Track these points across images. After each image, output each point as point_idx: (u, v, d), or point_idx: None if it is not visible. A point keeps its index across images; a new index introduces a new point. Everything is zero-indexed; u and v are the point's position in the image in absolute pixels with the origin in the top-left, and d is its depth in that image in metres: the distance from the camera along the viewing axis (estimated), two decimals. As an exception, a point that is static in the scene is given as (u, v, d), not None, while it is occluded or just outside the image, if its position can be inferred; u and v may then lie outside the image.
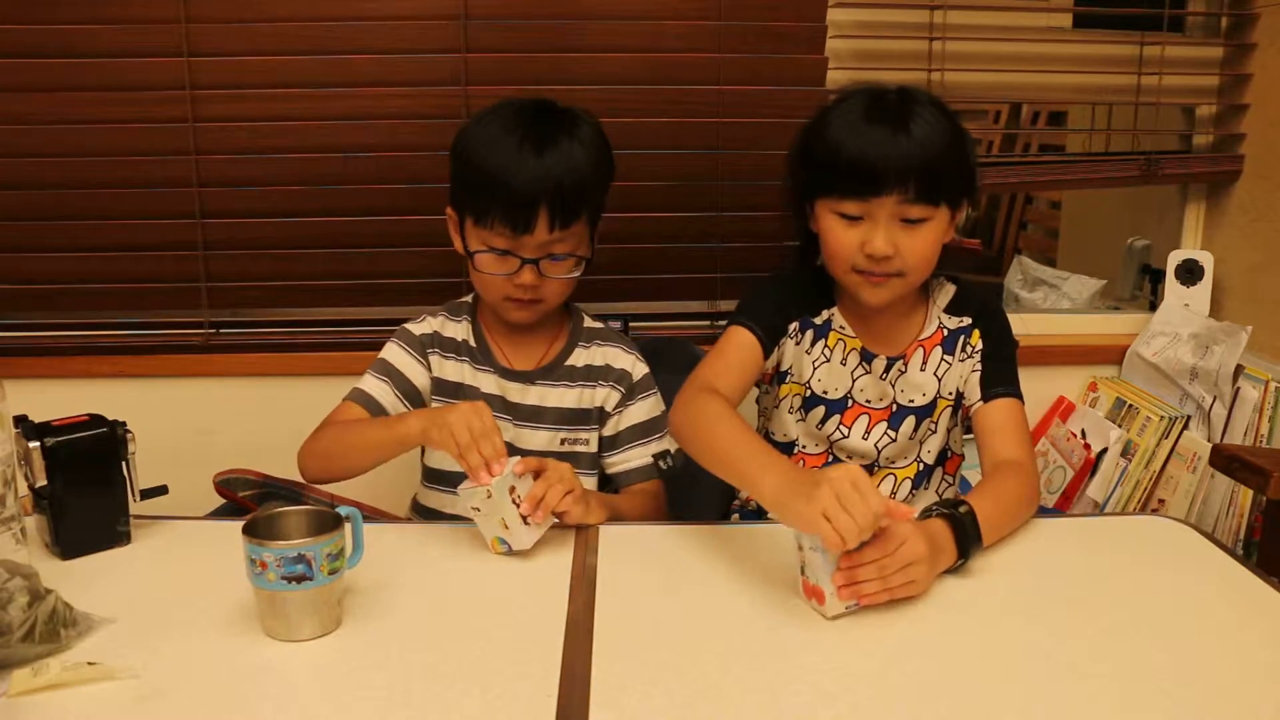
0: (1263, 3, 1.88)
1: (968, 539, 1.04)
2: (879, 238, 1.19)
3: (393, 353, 1.36)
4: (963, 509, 1.06)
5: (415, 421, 1.17)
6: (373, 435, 1.23)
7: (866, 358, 1.31)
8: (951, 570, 1.04)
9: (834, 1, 1.80)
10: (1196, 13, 1.99)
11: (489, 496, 1.07)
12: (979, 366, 1.30)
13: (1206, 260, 1.94)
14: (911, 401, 1.31)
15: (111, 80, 1.73)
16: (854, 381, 1.31)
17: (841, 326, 1.32)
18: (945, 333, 1.32)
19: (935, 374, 1.31)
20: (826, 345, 1.32)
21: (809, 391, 1.32)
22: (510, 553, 1.10)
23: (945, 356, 1.31)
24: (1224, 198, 1.98)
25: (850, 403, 1.32)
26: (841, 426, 1.32)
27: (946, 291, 1.34)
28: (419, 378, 1.35)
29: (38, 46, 1.72)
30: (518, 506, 1.08)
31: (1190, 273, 1.95)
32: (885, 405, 1.31)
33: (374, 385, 1.33)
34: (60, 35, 1.72)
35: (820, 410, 1.32)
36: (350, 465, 1.25)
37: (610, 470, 1.38)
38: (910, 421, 1.31)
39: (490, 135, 1.26)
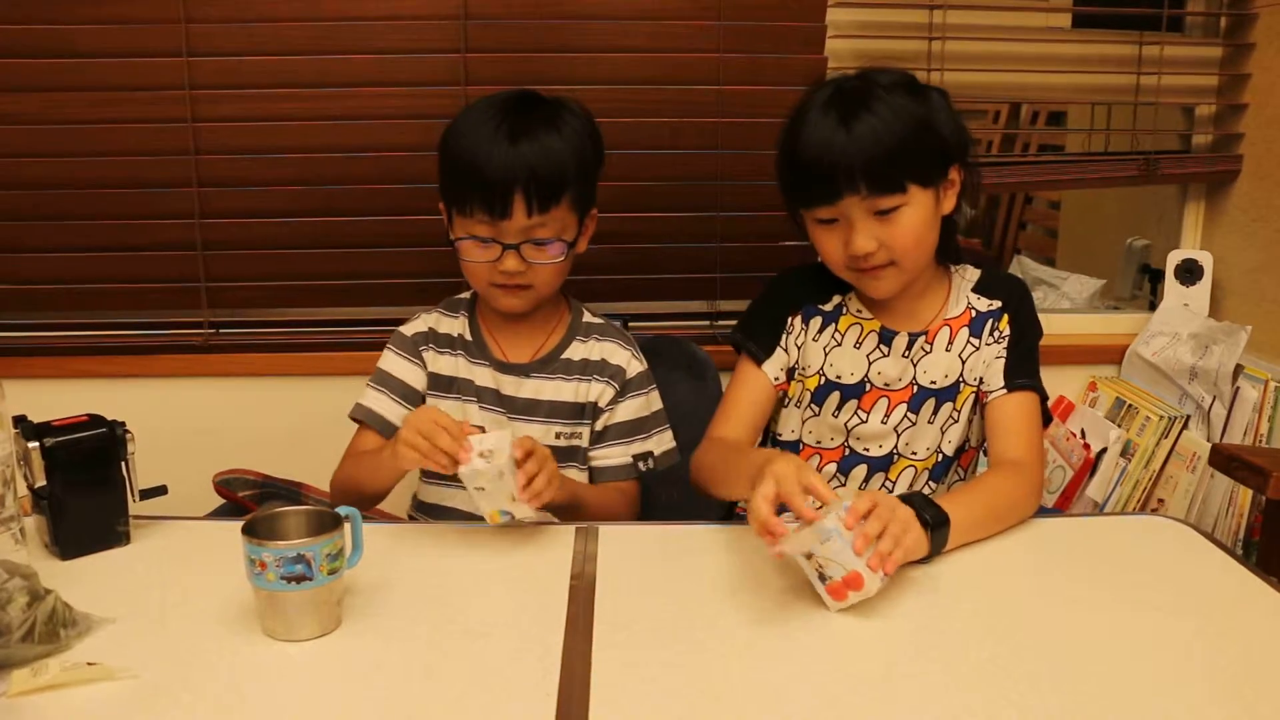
0: (1262, 3, 1.88)
1: (935, 548, 1.06)
2: (858, 237, 1.19)
3: (387, 360, 1.38)
4: (940, 529, 1.06)
5: (388, 448, 1.18)
6: (368, 469, 1.27)
7: (886, 338, 1.29)
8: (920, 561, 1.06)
9: (834, 1, 1.80)
10: (1196, 13, 2.00)
11: (500, 476, 1.07)
12: (1003, 354, 1.28)
13: (1206, 260, 1.94)
14: (933, 383, 1.28)
15: (111, 80, 1.73)
16: (870, 364, 1.29)
17: (858, 310, 1.31)
18: (974, 314, 1.30)
19: (960, 355, 1.28)
20: (838, 330, 1.31)
21: (823, 379, 1.30)
22: (511, 522, 1.10)
23: (971, 339, 1.29)
24: (1223, 198, 1.98)
25: (868, 386, 1.29)
26: (860, 411, 1.29)
27: (972, 272, 1.32)
28: (414, 379, 1.36)
29: (38, 46, 1.72)
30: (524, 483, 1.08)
31: (1190, 272, 1.95)
32: (905, 385, 1.29)
33: (373, 398, 1.36)
34: (60, 35, 1.72)
35: (835, 396, 1.30)
36: (368, 496, 1.28)
37: (591, 464, 1.37)
38: (930, 404, 1.29)
39: (469, 125, 1.27)
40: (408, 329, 1.39)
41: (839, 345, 1.30)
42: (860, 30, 1.82)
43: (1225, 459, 1.49)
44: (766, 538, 0.97)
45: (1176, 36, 1.96)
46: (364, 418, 1.35)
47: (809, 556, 0.97)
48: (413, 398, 1.36)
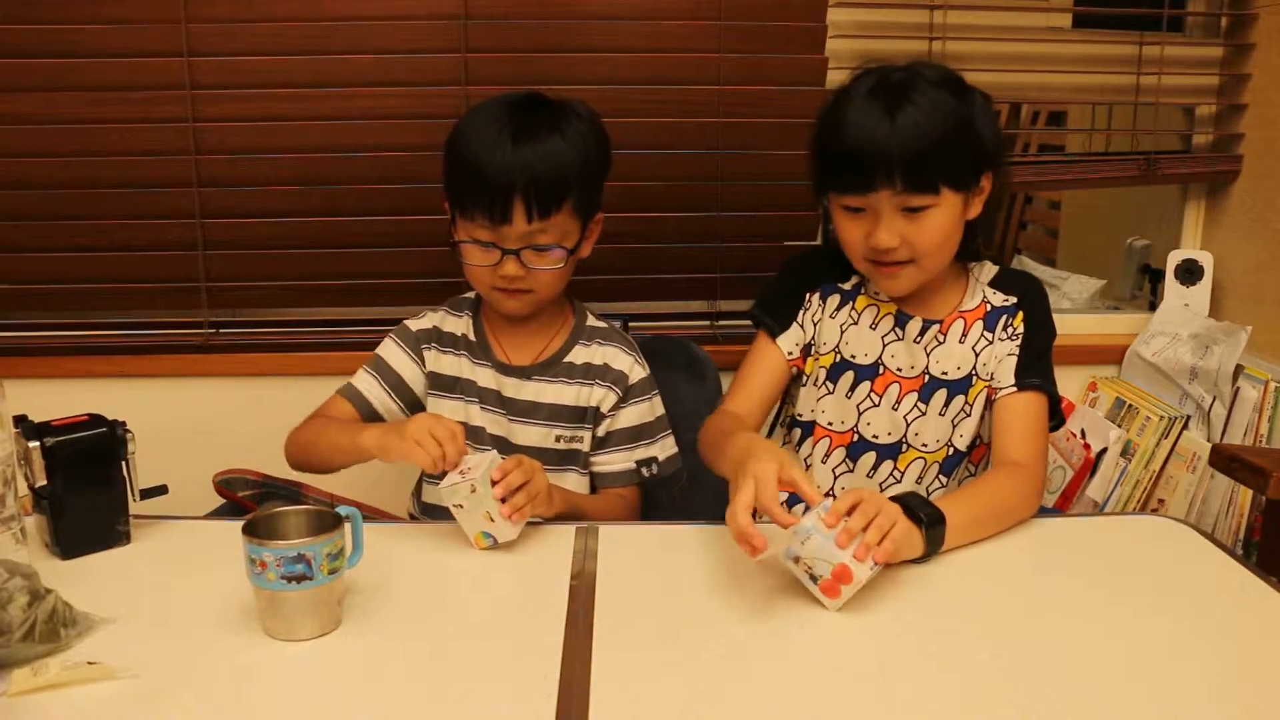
0: (1262, 3, 1.88)
1: (931, 546, 1.06)
2: (882, 231, 1.19)
3: (387, 349, 1.38)
4: (936, 527, 1.05)
5: (373, 433, 1.19)
6: (337, 439, 1.25)
7: (900, 322, 1.29)
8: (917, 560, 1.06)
9: (834, 1, 1.80)
10: (1196, 13, 2.00)
11: (473, 491, 1.07)
12: (1015, 351, 1.27)
13: (1206, 260, 1.94)
14: (944, 374, 1.28)
15: (111, 80, 1.73)
16: (885, 346, 1.29)
17: (875, 292, 1.31)
18: (989, 308, 1.29)
19: (973, 348, 1.28)
20: (854, 309, 1.31)
21: (838, 357, 1.31)
22: (495, 546, 1.10)
23: (985, 332, 1.28)
24: (1223, 198, 1.98)
25: (881, 369, 1.29)
26: (873, 394, 1.29)
27: (989, 268, 1.32)
28: (410, 374, 1.36)
29: (38, 46, 1.72)
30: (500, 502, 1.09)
31: (1190, 273, 1.95)
32: (916, 374, 1.28)
33: (364, 381, 1.36)
34: (60, 35, 1.71)
35: (850, 375, 1.30)
36: (320, 462, 1.29)
37: (592, 469, 1.37)
38: (941, 395, 1.28)
39: (473, 127, 1.26)
40: (413, 324, 1.39)
41: (855, 324, 1.31)
42: (861, 30, 1.82)
43: (1225, 459, 1.49)
44: (744, 547, 0.97)
45: (1177, 36, 1.96)
46: (350, 397, 1.34)
47: (796, 560, 0.97)
48: (403, 391, 1.36)
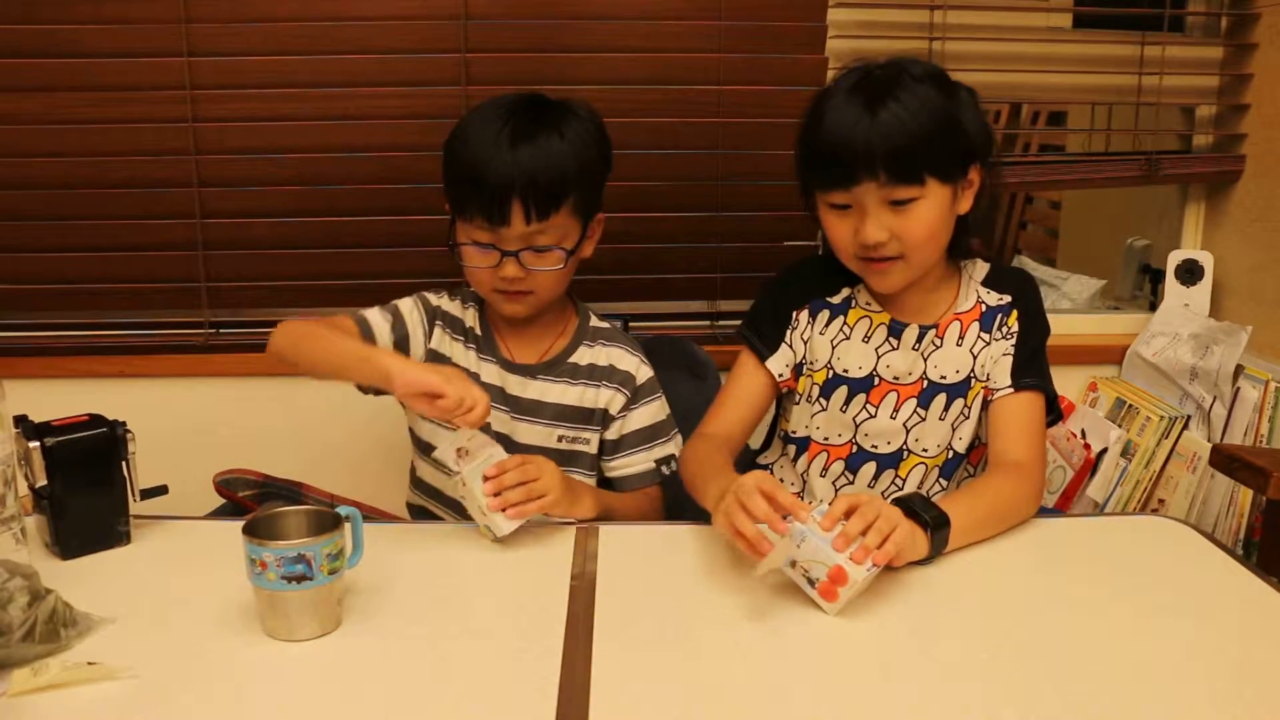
0: (1263, 3, 1.88)
1: (936, 548, 1.05)
2: (869, 225, 1.18)
3: (406, 306, 1.36)
4: (941, 530, 1.05)
5: (396, 356, 1.16)
6: (347, 345, 1.20)
7: (895, 331, 1.28)
8: (920, 562, 1.06)
9: (834, 1, 1.80)
10: (1197, 13, 2.00)
11: (464, 485, 1.10)
12: (1011, 351, 1.27)
13: (1206, 260, 1.94)
14: (943, 378, 1.27)
15: (111, 80, 1.73)
16: (879, 358, 1.28)
17: (867, 303, 1.30)
18: (984, 308, 1.28)
19: (971, 350, 1.27)
20: (846, 323, 1.30)
21: (830, 373, 1.29)
22: (496, 540, 1.11)
23: (982, 334, 1.27)
24: (1224, 198, 1.98)
25: (876, 380, 1.28)
26: (868, 405, 1.28)
27: (980, 266, 1.31)
28: (416, 340, 1.34)
29: (38, 46, 1.72)
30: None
31: (1190, 273, 1.95)
32: (914, 380, 1.27)
33: (375, 318, 1.32)
34: (60, 35, 1.72)
35: (843, 390, 1.29)
36: (311, 360, 1.23)
37: (611, 474, 1.37)
38: (941, 400, 1.27)
39: (472, 128, 1.26)
40: (433, 297, 1.37)
41: (847, 339, 1.29)
42: (861, 30, 1.82)
43: (1226, 459, 1.49)
44: (764, 544, 0.96)
45: (1178, 37, 1.96)
46: (360, 324, 1.31)
47: (793, 564, 0.97)
48: (404, 347, 1.33)
